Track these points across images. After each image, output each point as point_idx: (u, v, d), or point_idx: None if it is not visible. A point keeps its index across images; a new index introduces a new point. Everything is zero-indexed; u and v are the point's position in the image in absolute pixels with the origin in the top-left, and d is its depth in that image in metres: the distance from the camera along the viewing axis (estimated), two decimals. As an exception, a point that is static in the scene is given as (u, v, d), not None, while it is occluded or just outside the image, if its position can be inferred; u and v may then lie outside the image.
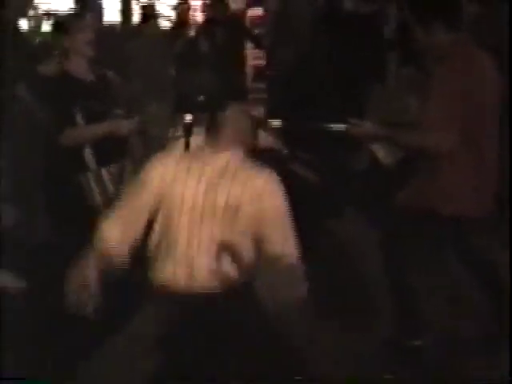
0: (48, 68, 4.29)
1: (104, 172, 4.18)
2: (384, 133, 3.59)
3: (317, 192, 6.42)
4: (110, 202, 3.99)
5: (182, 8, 7.71)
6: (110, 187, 4.19)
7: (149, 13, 7.59)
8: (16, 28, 5.26)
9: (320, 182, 6.66)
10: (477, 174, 3.38)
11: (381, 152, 3.80)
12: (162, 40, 7.59)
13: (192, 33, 7.59)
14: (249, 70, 10.14)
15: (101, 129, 4.15)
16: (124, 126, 4.21)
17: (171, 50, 7.42)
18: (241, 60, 9.31)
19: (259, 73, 9.84)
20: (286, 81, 7.52)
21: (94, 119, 4.13)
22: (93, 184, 4.14)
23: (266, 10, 9.23)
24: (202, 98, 7.83)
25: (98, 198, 4.14)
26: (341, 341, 3.89)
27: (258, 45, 8.58)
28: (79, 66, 4.21)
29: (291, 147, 7.41)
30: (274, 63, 8.25)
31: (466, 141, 3.28)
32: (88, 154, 4.14)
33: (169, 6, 8.40)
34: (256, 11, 9.82)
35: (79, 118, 4.09)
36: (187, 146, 7.52)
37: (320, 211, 5.92)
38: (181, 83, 7.59)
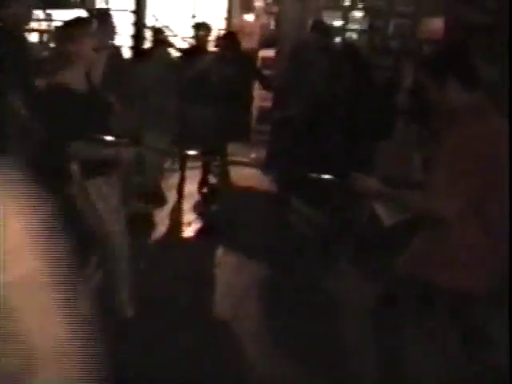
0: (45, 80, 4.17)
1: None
2: (387, 191, 3.36)
3: (312, 244, 6.26)
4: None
5: (202, 33, 7.47)
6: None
7: (159, 38, 7.38)
8: (16, 36, 5.02)
9: (317, 233, 6.51)
10: (481, 245, 3.11)
11: (383, 212, 3.55)
12: (170, 68, 7.37)
13: (202, 64, 7.34)
14: (255, 111, 9.99)
15: (101, 154, 4.10)
16: (123, 155, 4.15)
17: (178, 79, 7.17)
18: (248, 100, 9.14)
19: (265, 115, 9.68)
20: (291, 127, 7.35)
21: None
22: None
23: (277, 52, 9.03)
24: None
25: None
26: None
27: (266, 86, 8.37)
28: (77, 77, 4.05)
29: (290, 196, 7.29)
30: (280, 107, 8.06)
31: (472, 208, 3.04)
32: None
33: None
34: (268, 52, 9.65)
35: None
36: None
37: (314, 264, 5.74)
38: (184, 115, 7.34)
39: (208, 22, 7.77)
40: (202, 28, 7.56)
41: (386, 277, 3.57)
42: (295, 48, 7.58)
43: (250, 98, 9.53)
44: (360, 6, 8.70)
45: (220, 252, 6.11)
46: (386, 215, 3.51)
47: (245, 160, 8.90)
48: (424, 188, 3.13)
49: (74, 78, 4.01)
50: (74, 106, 3.87)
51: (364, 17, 8.71)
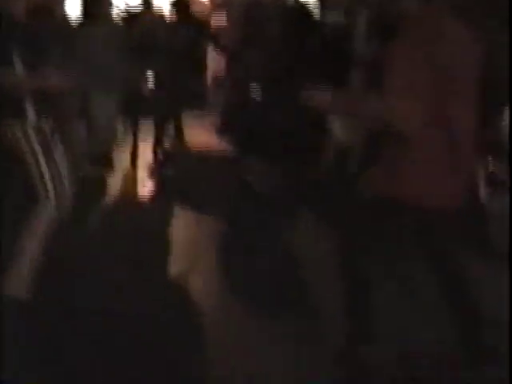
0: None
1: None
2: (343, 102, 3.23)
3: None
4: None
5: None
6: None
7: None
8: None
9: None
10: (447, 158, 2.98)
11: (339, 127, 3.40)
12: (119, 29, 7.15)
13: (151, 25, 7.15)
14: (209, 79, 9.83)
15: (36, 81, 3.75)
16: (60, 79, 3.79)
17: (127, 40, 6.96)
18: (201, 65, 8.98)
19: (218, 80, 9.50)
20: (245, 90, 7.21)
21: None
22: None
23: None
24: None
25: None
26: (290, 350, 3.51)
27: (218, 45, 8.20)
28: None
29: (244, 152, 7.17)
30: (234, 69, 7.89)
31: (434, 117, 2.89)
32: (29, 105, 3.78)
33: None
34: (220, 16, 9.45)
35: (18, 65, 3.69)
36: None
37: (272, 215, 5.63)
38: (134, 78, 7.14)
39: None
40: None
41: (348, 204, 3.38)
42: (247, 8, 7.38)
43: (204, 66, 9.38)
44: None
45: (174, 211, 5.93)
46: (341, 131, 3.38)
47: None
48: (381, 99, 2.95)
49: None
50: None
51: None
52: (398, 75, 2.87)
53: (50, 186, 3.83)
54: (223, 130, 8.12)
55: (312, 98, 3.20)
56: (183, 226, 5.59)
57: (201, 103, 9.47)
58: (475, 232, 3.82)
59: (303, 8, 7.07)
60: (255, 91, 7.05)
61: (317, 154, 6.40)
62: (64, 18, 6.42)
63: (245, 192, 6.40)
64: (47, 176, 3.82)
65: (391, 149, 3.04)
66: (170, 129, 7.86)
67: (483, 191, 3.74)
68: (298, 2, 7.33)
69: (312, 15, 7.04)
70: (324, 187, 5.66)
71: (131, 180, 6.88)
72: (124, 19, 7.29)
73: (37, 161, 3.77)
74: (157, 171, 7.26)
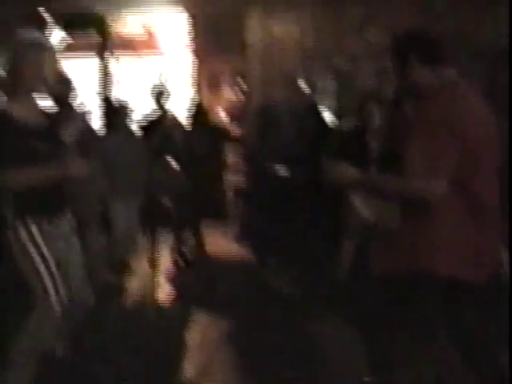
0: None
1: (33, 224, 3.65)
2: (364, 176, 3.17)
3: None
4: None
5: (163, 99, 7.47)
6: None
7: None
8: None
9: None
10: (473, 228, 2.89)
11: (360, 202, 3.34)
12: (137, 136, 7.27)
13: (169, 130, 7.29)
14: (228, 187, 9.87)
15: (42, 171, 3.61)
16: (77, 165, 3.69)
17: (146, 147, 7.07)
18: (220, 173, 9.06)
19: (238, 191, 9.55)
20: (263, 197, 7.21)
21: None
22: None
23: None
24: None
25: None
26: None
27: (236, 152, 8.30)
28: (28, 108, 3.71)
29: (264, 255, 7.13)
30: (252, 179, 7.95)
31: (458, 188, 2.85)
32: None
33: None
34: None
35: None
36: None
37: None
38: (153, 185, 7.19)
39: (166, 86, 7.71)
40: (160, 92, 7.53)
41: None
42: (262, 111, 7.48)
43: (223, 173, 9.46)
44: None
45: (193, 316, 5.81)
46: (363, 206, 3.33)
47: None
48: (404, 172, 2.91)
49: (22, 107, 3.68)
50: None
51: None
52: (421, 151, 2.83)
53: (49, 284, 3.65)
54: (242, 236, 8.09)
55: (334, 172, 3.16)
56: (201, 330, 5.44)
57: (220, 212, 9.51)
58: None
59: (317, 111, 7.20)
60: (273, 198, 7.05)
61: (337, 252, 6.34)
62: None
63: (266, 295, 6.29)
64: (46, 275, 3.64)
65: (412, 223, 2.96)
66: (190, 236, 7.87)
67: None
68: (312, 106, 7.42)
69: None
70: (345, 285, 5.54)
71: (150, 285, 6.77)
72: (142, 127, 7.39)
73: (41, 257, 3.63)
74: (176, 277, 7.16)
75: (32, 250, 3.62)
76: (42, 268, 3.62)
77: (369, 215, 5.15)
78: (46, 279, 3.63)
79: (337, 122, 7.45)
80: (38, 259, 3.62)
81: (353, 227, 6.13)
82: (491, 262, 2.99)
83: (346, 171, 3.14)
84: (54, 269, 3.67)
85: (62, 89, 6.13)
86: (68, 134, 5.09)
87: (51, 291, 3.63)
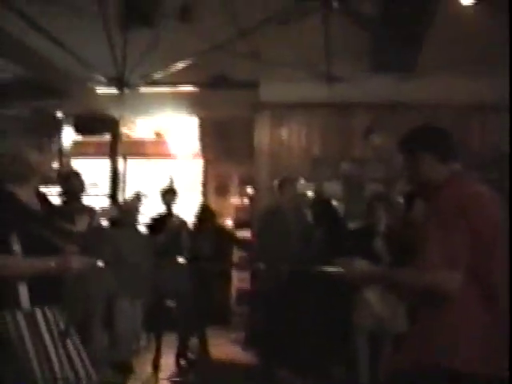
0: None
1: (39, 314, 3.49)
2: (381, 272, 3.12)
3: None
4: (42, 349, 3.44)
5: (169, 197, 7.51)
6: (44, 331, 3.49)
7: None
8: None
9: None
10: (487, 320, 2.82)
11: (376, 300, 3.27)
12: (144, 234, 7.26)
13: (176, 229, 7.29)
14: (233, 293, 9.78)
15: (44, 264, 3.48)
16: (75, 262, 3.53)
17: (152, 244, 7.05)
18: (226, 281, 9.01)
19: (243, 296, 9.46)
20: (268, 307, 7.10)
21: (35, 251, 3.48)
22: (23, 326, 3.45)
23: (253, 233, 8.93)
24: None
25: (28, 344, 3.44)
26: None
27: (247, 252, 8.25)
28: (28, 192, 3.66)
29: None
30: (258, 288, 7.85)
31: (472, 279, 2.80)
32: (23, 290, 3.47)
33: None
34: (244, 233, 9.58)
35: (16, 246, 3.45)
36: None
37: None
38: (159, 288, 7.12)
39: (175, 187, 7.77)
40: (169, 193, 7.59)
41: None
42: (267, 215, 7.46)
43: (229, 280, 9.39)
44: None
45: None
46: (380, 307, 3.25)
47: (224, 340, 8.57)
48: (419, 265, 2.85)
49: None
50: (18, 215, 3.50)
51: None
52: (435, 244, 2.79)
53: (39, 377, 3.43)
54: (249, 343, 7.94)
55: (349, 267, 3.10)
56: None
57: (226, 319, 9.39)
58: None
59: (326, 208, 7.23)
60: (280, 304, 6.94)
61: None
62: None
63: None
64: (36, 367, 3.43)
65: (427, 315, 2.89)
66: (195, 340, 7.73)
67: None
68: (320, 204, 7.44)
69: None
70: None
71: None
72: (149, 226, 7.40)
73: (25, 351, 3.43)
74: (179, 375, 7.01)
75: (47, 337, 3.49)
76: (53, 356, 3.48)
77: (382, 311, 5.08)
78: (56, 367, 3.47)
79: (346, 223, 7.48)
80: (51, 347, 3.49)
81: (365, 325, 6.06)
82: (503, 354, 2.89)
83: (361, 265, 3.09)
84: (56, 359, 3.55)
85: (71, 184, 6.18)
86: (74, 228, 5.09)
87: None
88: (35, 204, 3.69)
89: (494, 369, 2.84)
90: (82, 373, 3.72)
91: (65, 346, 3.65)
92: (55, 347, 3.51)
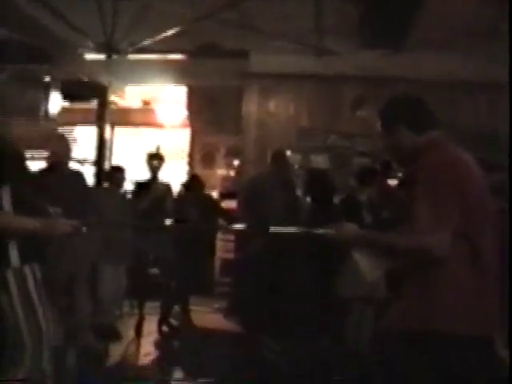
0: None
1: (27, 271, 3.53)
2: (370, 235, 3.15)
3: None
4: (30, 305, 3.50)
5: (155, 162, 7.50)
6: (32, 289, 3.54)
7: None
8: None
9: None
10: (476, 281, 2.85)
11: (365, 265, 3.30)
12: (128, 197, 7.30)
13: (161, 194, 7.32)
14: (217, 263, 9.82)
15: (32, 224, 3.53)
16: (60, 226, 3.61)
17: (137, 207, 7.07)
18: (210, 251, 9.02)
19: (226, 267, 9.50)
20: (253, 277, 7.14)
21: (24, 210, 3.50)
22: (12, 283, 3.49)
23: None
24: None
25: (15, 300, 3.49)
26: None
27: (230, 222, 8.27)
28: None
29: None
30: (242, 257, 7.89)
31: (461, 243, 2.82)
32: (12, 247, 3.50)
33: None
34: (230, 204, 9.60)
35: (7, 204, 3.48)
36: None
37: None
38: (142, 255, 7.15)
39: (161, 153, 7.76)
40: (155, 158, 7.60)
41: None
42: (255, 186, 7.48)
43: (213, 250, 9.42)
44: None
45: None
46: (368, 269, 3.28)
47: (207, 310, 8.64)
48: (409, 228, 2.87)
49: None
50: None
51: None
52: (423, 208, 2.83)
53: (26, 334, 3.52)
54: (232, 312, 7.98)
55: (337, 229, 3.15)
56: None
57: (209, 288, 9.43)
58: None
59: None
60: (265, 272, 6.98)
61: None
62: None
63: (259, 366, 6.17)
64: (23, 324, 3.51)
65: (416, 279, 2.93)
66: (177, 308, 7.79)
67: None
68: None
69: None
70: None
71: (134, 349, 6.64)
72: (134, 191, 7.41)
73: (13, 308, 3.50)
74: (162, 343, 7.03)
75: (33, 295, 3.54)
76: (40, 314, 3.54)
77: (373, 275, 5.13)
78: (43, 327, 3.55)
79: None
80: (38, 306, 3.55)
81: (355, 292, 6.15)
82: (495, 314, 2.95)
83: (351, 228, 3.14)
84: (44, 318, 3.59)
85: (58, 147, 6.16)
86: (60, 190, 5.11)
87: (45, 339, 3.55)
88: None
89: (484, 330, 2.89)
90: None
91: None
92: (42, 304, 3.57)
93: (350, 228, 3.15)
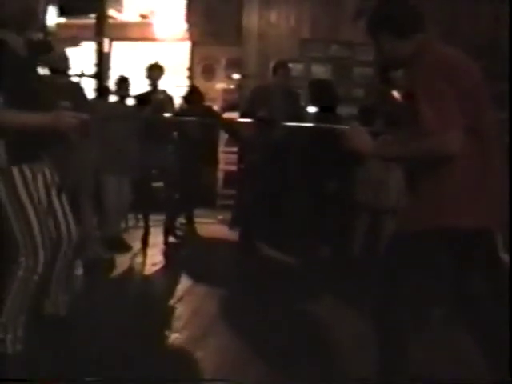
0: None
1: (15, 172, 3.47)
2: (383, 143, 3.15)
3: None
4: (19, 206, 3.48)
5: (155, 73, 7.45)
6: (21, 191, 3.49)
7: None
8: None
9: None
10: (486, 174, 2.91)
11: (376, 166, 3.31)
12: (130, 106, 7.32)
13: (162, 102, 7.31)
14: (220, 175, 9.86)
15: (36, 118, 3.41)
16: (68, 119, 3.44)
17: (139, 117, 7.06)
18: (213, 163, 9.02)
19: (229, 179, 9.53)
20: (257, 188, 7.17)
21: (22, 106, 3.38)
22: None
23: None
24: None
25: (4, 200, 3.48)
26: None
27: (236, 138, 8.26)
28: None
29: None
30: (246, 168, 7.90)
31: (471, 138, 2.84)
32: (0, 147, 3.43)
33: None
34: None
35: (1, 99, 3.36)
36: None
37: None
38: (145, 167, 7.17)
39: (161, 64, 7.68)
40: (154, 69, 7.53)
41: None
42: (257, 96, 7.43)
43: (216, 162, 9.42)
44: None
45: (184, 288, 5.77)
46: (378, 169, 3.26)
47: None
48: (417, 131, 2.86)
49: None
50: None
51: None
52: (429, 109, 2.81)
53: (18, 234, 3.52)
54: (236, 222, 8.05)
55: (350, 135, 3.12)
56: (195, 303, 5.38)
57: (212, 201, 9.51)
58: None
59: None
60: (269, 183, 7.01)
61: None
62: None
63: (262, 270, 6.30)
64: (14, 225, 3.50)
65: (428, 178, 2.95)
66: (182, 218, 7.88)
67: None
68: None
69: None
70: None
71: (141, 260, 6.77)
72: (136, 100, 7.36)
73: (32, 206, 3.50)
74: (168, 252, 7.16)
75: (24, 197, 3.50)
76: (32, 217, 3.51)
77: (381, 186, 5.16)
78: (35, 229, 3.51)
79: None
80: (29, 207, 3.51)
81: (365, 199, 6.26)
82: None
83: (361, 128, 3.13)
84: (42, 220, 3.58)
85: (58, 62, 6.08)
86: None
87: (39, 241, 3.53)
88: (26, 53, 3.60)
89: (487, 223, 2.96)
90: (63, 230, 3.83)
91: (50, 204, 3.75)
92: (32, 204, 3.53)
93: (360, 131, 3.13)
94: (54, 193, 3.77)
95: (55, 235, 3.73)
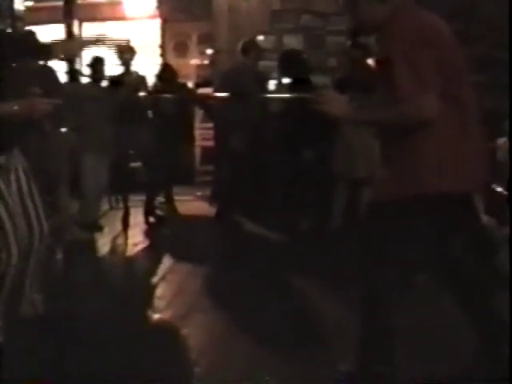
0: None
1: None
2: (359, 110, 3.09)
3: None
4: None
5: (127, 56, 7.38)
6: None
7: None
8: None
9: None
10: (465, 137, 2.91)
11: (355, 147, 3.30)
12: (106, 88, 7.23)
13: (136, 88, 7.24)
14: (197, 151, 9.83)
15: (9, 107, 3.36)
16: (40, 105, 3.42)
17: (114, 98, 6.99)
18: (190, 140, 8.98)
19: (207, 155, 9.50)
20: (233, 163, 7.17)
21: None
22: None
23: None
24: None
25: None
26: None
27: (210, 113, 8.23)
28: None
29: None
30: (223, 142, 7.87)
31: (447, 99, 2.83)
32: None
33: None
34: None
35: None
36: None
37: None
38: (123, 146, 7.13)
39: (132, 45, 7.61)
40: (126, 51, 7.49)
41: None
42: (228, 76, 7.40)
43: (192, 139, 9.38)
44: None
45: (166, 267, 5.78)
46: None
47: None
48: (393, 96, 2.85)
49: None
50: None
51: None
52: (405, 73, 2.81)
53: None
54: (215, 198, 8.05)
55: (328, 99, 3.08)
56: (178, 281, 5.39)
57: (191, 178, 9.49)
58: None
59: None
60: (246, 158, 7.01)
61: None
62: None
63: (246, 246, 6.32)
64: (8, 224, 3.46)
65: (405, 144, 2.94)
66: (161, 199, 7.86)
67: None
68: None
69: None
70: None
71: (122, 240, 6.78)
72: (109, 82, 7.30)
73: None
74: (149, 231, 7.17)
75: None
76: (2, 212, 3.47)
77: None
78: (6, 224, 3.47)
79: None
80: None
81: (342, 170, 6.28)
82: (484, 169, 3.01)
83: (339, 100, 3.07)
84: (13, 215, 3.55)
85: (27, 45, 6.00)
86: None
87: (10, 234, 3.48)
88: None
89: (464, 186, 2.97)
90: (35, 224, 3.76)
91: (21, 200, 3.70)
92: (2, 199, 3.48)
93: (337, 98, 3.10)
94: (25, 190, 3.73)
95: (26, 231, 3.69)
